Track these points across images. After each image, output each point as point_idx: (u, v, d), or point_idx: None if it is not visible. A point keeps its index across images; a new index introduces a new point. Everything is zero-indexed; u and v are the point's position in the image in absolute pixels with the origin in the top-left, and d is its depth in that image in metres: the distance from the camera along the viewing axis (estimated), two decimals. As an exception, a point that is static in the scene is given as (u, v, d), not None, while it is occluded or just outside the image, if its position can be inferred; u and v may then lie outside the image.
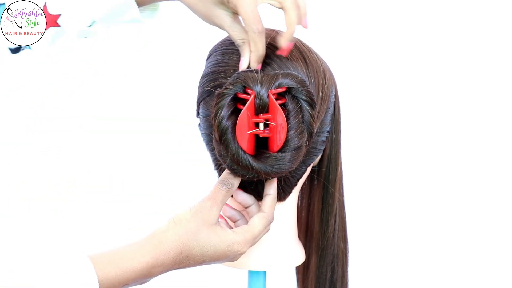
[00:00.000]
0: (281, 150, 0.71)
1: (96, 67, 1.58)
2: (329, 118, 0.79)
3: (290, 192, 0.80)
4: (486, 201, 1.64)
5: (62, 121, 1.65)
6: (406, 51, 1.63)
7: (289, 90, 0.71)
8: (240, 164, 0.71)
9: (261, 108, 0.70)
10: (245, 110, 0.70)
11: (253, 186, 0.78)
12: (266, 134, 0.70)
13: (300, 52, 0.77)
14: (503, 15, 1.62)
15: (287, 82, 0.70)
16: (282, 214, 0.81)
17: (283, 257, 0.82)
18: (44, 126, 1.65)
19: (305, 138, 0.71)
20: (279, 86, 0.70)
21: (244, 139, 0.70)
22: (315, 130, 0.73)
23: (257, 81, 0.70)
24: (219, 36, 0.87)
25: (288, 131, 0.70)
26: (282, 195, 0.79)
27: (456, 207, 1.64)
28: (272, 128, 0.70)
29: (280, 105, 0.71)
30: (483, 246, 1.63)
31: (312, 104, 0.71)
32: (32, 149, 1.67)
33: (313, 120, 0.71)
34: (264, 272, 0.84)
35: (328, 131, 0.80)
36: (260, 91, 0.69)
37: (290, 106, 0.71)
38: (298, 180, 0.80)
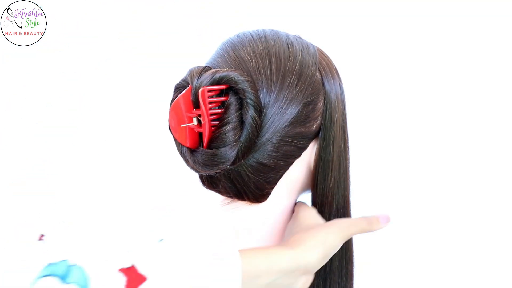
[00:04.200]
0: (210, 146, 0.71)
1: (93, 67, 1.58)
2: (312, 128, 0.76)
3: (261, 195, 0.78)
4: (487, 201, 1.64)
5: (62, 119, 1.64)
6: (406, 52, 1.63)
7: (232, 87, 0.71)
8: (181, 155, 0.73)
9: (195, 103, 0.71)
10: (174, 104, 0.70)
11: (221, 182, 0.77)
12: (199, 129, 0.71)
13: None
14: (503, 18, 1.61)
15: (228, 79, 0.70)
16: (260, 217, 0.79)
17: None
18: (44, 125, 1.65)
19: (244, 136, 0.71)
20: (218, 83, 0.70)
21: (178, 132, 0.71)
22: (259, 130, 0.72)
23: (196, 76, 0.70)
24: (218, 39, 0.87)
25: (224, 125, 0.70)
26: (255, 197, 0.78)
27: (456, 207, 1.64)
28: (203, 125, 0.70)
29: (224, 102, 0.71)
30: (485, 246, 1.63)
31: (254, 101, 0.70)
32: (32, 147, 1.67)
33: (254, 120, 0.70)
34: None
35: (307, 139, 0.77)
36: (195, 86, 0.70)
37: (230, 100, 0.70)
38: (269, 184, 0.77)
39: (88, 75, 1.58)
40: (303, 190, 0.79)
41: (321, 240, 0.73)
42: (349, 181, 0.80)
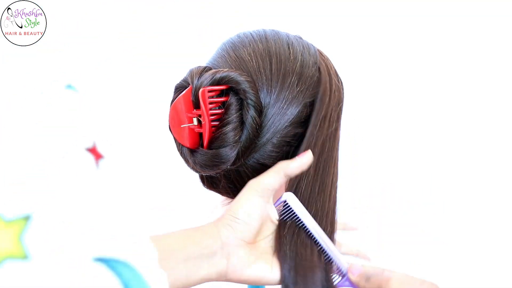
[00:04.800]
0: (210, 146, 0.71)
1: (93, 67, 1.58)
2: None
3: None
4: (487, 201, 1.64)
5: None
6: (405, 52, 1.63)
7: (232, 88, 0.70)
8: (181, 156, 0.72)
9: (195, 103, 0.70)
10: (174, 104, 0.70)
11: (222, 182, 0.77)
12: (199, 130, 0.71)
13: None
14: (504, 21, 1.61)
15: (229, 79, 0.70)
16: None
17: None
18: (44, 125, 1.64)
19: (245, 136, 0.70)
20: (218, 83, 0.70)
21: (178, 132, 0.71)
22: (259, 130, 0.71)
23: (196, 77, 0.70)
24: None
25: (224, 126, 0.70)
26: None
27: (455, 207, 1.64)
28: (204, 125, 0.70)
29: (224, 102, 0.70)
30: (484, 246, 1.63)
31: (255, 102, 0.69)
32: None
33: (254, 121, 0.69)
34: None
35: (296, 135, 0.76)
36: (196, 87, 0.70)
37: (231, 101, 0.70)
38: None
39: (88, 75, 1.58)
40: None
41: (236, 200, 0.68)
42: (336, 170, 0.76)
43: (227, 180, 0.73)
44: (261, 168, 0.71)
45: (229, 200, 0.76)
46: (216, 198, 0.79)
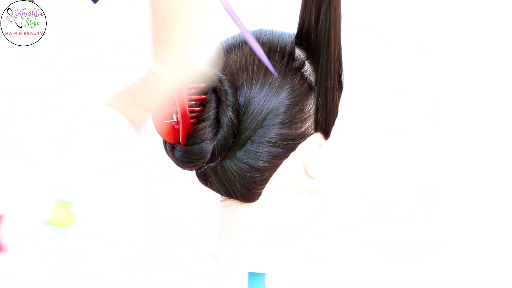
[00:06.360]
0: (186, 143, 0.71)
1: (93, 67, 1.58)
2: (300, 130, 0.75)
3: (250, 195, 0.75)
4: (487, 201, 1.64)
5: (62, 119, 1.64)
6: (405, 52, 1.63)
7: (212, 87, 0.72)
8: (165, 151, 0.73)
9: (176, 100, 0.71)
10: None
11: (211, 179, 0.76)
12: (178, 126, 0.72)
13: None
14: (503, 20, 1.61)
15: (206, 77, 0.70)
16: (250, 217, 0.78)
17: (283, 258, 0.81)
18: (45, 125, 1.64)
19: (220, 134, 0.70)
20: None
21: (159, 127, 0.71)
22: (235, 129, 0.70)
23: None
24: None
25: (199, 123, 0.70)
26: (243, 196, 0.75)
27: (451, 207, 1.64)
28: (179, 122, 0.70)
29: (203, 100, 0.71)
30: (482, 246, 1.63)
31: (231, 101, 0.70)
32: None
33: (230, 119, 0.69)
34: (264, 274, 0.84)
35: (294, 141, 0.76)
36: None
37: (209, 98, 0.70)
38: (256, 184, 0.74)
39: (88, 75, 1.58)
40: (300, 193, 0.77)
41: None
42: None
43: (215, 177, 0.74)
44: (245, 167, 0.72)
45: (224, 197, 0.76)
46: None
